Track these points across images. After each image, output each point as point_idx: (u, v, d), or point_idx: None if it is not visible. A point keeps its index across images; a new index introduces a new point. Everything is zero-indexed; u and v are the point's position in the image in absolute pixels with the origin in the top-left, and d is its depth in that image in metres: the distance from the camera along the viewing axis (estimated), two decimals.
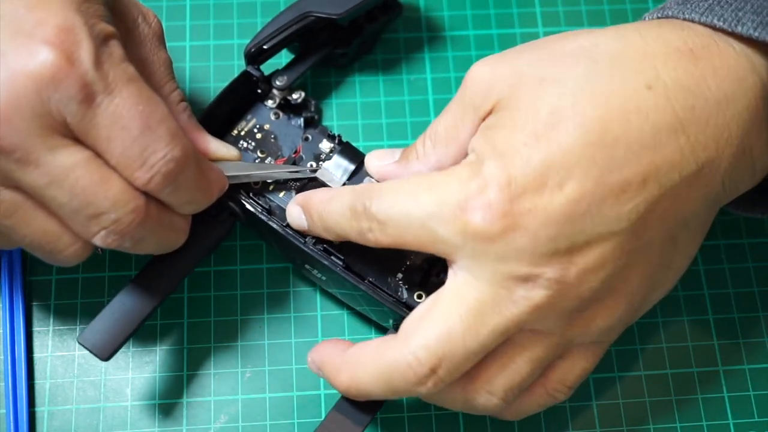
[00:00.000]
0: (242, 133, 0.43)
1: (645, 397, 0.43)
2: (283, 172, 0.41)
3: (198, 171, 0.34)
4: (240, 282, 0.44)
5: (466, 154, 0.34)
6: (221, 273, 0.44)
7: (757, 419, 0.43)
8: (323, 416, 0.39)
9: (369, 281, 0.39)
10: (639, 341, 0.44)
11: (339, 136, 0.43)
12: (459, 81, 0.48)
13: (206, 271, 0.44)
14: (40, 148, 0.30)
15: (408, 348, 0.33)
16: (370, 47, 0.49)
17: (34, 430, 0.40)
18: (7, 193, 0.32)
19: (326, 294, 0.44)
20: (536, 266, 0.31)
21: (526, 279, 0.31)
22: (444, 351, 0.32)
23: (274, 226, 0.39)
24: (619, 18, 0.51)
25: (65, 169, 0.31)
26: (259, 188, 0.41)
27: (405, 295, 0.39)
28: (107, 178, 0.32)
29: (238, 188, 0.40)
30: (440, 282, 0.35)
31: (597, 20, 0.51)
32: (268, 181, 0.41)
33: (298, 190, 0.41)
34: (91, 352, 0.36)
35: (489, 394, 0.34)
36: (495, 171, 0.31)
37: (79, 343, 0.36)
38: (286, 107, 0.44)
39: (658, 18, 0.35)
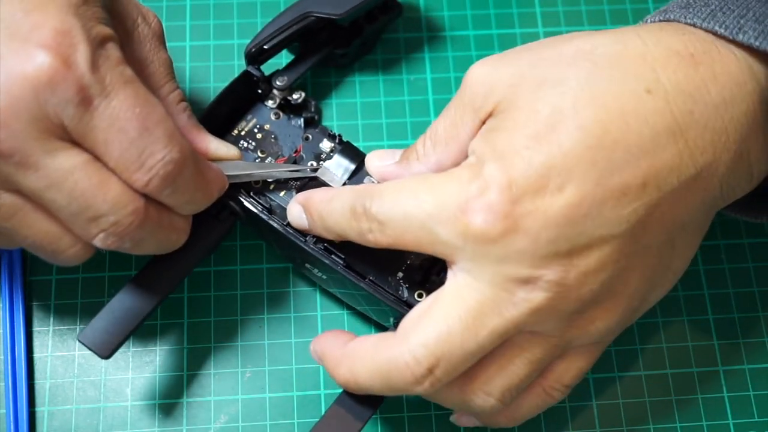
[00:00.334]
0: (242, 133, 0.43)
1: (645, 397, 0.43)
2: (283, 171, 0.41)
3: (197, 171, 0.34)
4: (240, 282, 0.44)
5: (466, 155, 0.34)
6: (221, 273, 0.44)
7: (757, 419, 0.43)
8: None
9: (369, 280, 0.39)
10: (639, 341, 0.44)
11: (339, 135, 0.43)
12: (459, 81, 0.48)
13: (206, 271, 0.44)
14: (38, 152, 0.31)
15: (406, 346, 0.33)
16: (370, 47, 0.49)
17: (34, 430, 0.40)
18: (7, 196, 0.32)
19: (326, 294, 0.44)
20: (537, 268, 0.31)
21: (526, 281, 0.31)
22: (442, 351, 0.32)
23: (275, 225, 0.39)
24: (619, 18, 0.51)
25: (64, 171, 0.31)
26: (260, 187, 0.41)
27: (405, 294, 0.39)
28: (106, 180, 0.32)
29: (239, 187, 0.40)
30: (441, 281, 0.35)
31: (597, 20, 0.51)
32: (269, 180, 0.41)
33: (299, 190, 0.41)
34: (91, 350, 0.36)
35: (486, 395, 0.34)
36: (496, 173, 0.31)
37: (79, 341, 0.36)
38: (287, 107, 0.44)
39: (660, 21, 0.34)
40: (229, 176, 0.38)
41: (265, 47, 0.43)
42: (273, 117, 0.43)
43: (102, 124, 0.31)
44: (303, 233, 0.39)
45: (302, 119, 0.43)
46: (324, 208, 0.36)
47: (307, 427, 0.41)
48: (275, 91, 0.43)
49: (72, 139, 0.31)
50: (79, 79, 0.30)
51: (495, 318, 0.32)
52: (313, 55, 0.45)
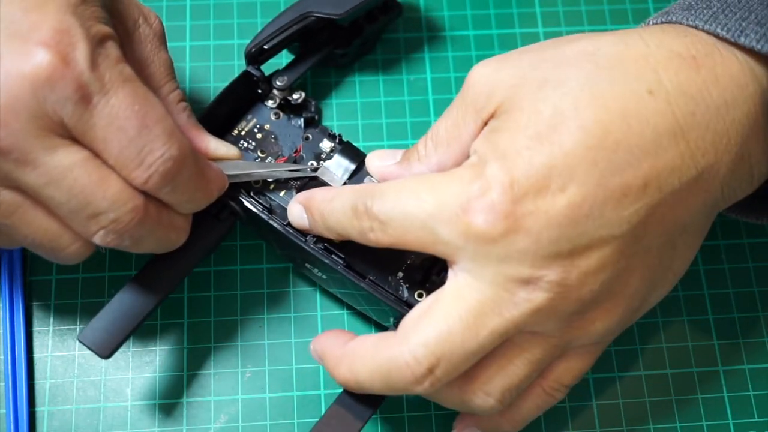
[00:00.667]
0: (242, 133, 0.43)
1: (645, 397, 0.43)
2: (283, 170, 0.41)
3: (196, 170, 0.34)
4: (240, 282, 0.44)
5: (467, 156, 0.34)
6: (221, 273, 0.44)
7: (757, 419, 0.43)
8: None
9: (370, 280, 0.39)
10: (639, 341, 0.44)
11: (339, 135, 0.43)
12: (459, 81, 0.48)
13: (206, 271, 0.44)
14: (37, 149, 0.31)
15: (407, 346, 0.33)
16: (370, 47, 0.49)
17: (34, 430, 0.40)
18: (6, 193, 0.32)
19: (326, 294, 0.44)
20: (538, 268, 0.31)
21: (527, 281, 0.31)
22: (442, 351, 0.32)
23: (275, 224, 0.39)
24: (619, 18, 0.51)
25: (63, 169, 0.31)
26: (260, 187, 0.41)
27: (406, 293, 0.39)
28: (105, 177, 0.32)
29: (239, 187, 0.40)
30: (441, 281, 0.35)
31: (597, 20, 0.51)
32: (269, 180, 0.41)
33: (299, 190, 0.41)
34: (91, 350, 0.36)
35: (486, 395, 0.34)
36: (497, 173, 0.31)
37: (80, 341, 0.36)
38: (287, 107, 0.44)
39: (662, 23, 0.34)
40: (229, 176, 0.38)
41: (265, 47, 0.43)
42: (273, 117, 0.43)
43: (101, 122, 0.31)
44: (303, 233, 0.39)
45: (302, 119, 0.43)
46: (325, 207, 0.36)
47: (307, 427, 0.41)
48: (275, 91, 0.43)
49: (71, 137, 0.31)
50: (78, 77, 0.30)
51: (495, 318, 0.32)
52: (313, 55, 0.45)
